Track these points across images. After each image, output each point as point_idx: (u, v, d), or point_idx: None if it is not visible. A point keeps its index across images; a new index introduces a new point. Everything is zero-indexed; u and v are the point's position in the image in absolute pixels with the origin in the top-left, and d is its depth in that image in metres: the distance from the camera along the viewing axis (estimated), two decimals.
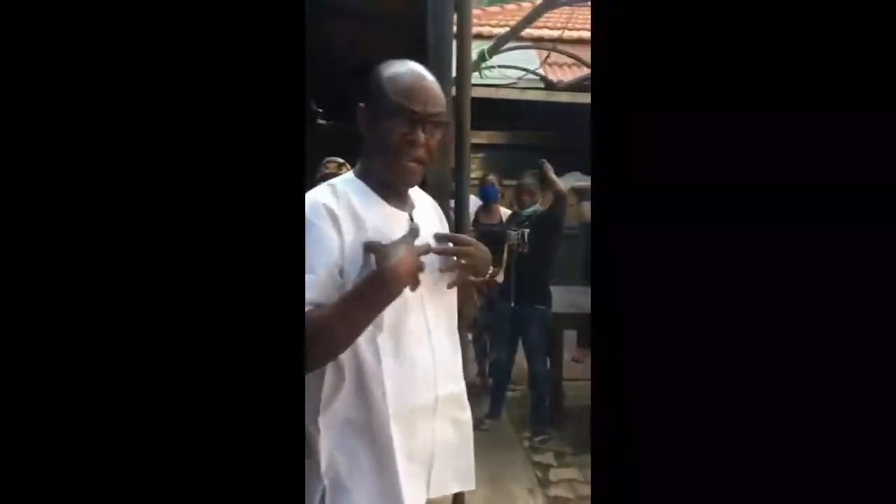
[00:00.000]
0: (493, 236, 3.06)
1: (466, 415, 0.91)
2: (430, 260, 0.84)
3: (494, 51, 3.19)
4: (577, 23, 5.77)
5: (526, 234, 2.64)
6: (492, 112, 4.86)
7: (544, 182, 2.67)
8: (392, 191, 0.85)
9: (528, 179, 2.74)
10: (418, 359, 0.81)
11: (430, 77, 0.83)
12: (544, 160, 2.59)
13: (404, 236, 0.77)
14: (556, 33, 5.41)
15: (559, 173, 4.93)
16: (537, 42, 5.06)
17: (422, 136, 0.79)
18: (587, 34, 5.54)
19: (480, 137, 5.54)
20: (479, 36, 4.62)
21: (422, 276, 0.80)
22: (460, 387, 0.90)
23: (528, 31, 5.05)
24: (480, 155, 5.87)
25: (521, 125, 5.33)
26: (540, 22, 5.17)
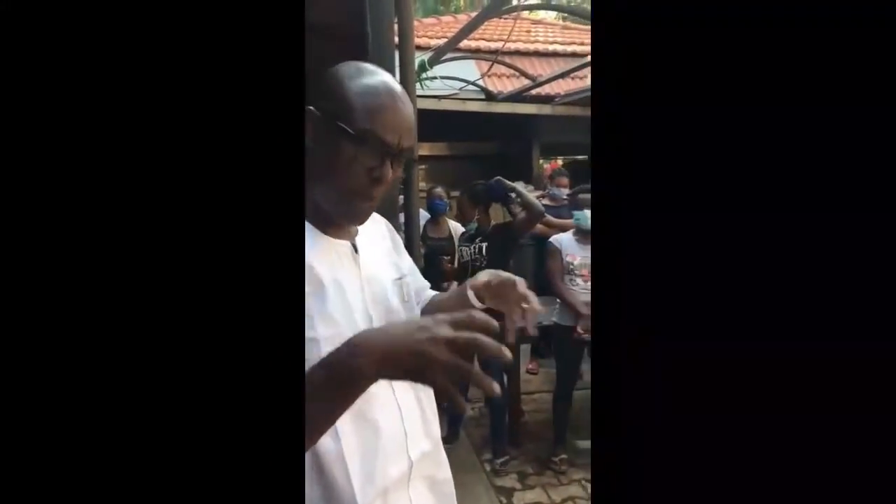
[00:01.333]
0: (442, 251, 2.98)
1: (445, 472, 0.77)
2: (380, 292, 0.70)
3: (435, 61, 3.12)
4: (514, 34, 5.86)
5: (484, 249, 2.56)
6: (434, 123, 4.82)
7: (479, 198, 2.60)
8: (335, 223, 0.69)
9: (463, 196, 2.70)
10: (383, 423, 0.66)
11: (404, 96, 0.65)
12: (499, 178, 2.52)
13: (385, 327, 0.59)
14: (493, 45, 5.46)
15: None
16: (475, 53, 5.07)
17: (389, 173, 0.63)
18: (524, 46, 5.64)
19: (423, 149, 5.48)
20: (417, 47, 4.57)
21: (372, 312, 0.67)
22: (436, 441, 0.76)
23: (466, 43, 5.07)
24: (423, 167, 5.80)
25: (464, 136, 5.32)
26: (477, 34, 5.20)
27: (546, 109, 4.70)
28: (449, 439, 2.67)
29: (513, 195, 2.46)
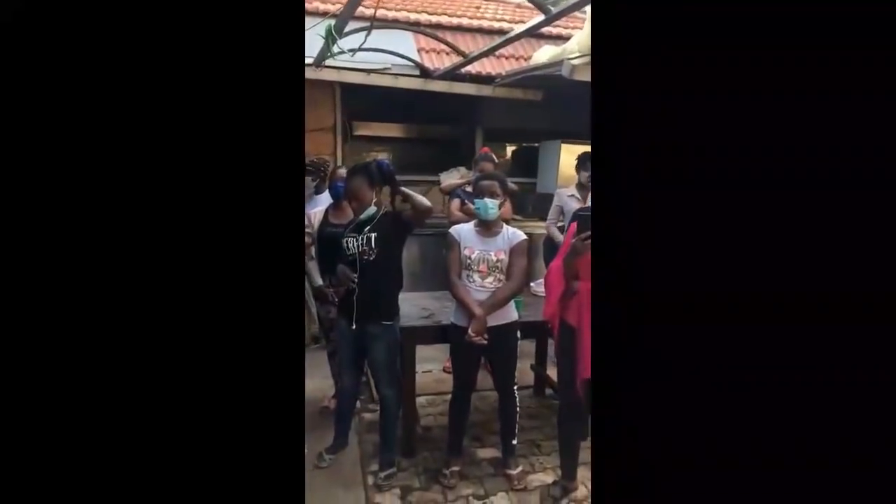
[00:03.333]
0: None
1: None
2: None
3: (341, 29, 2.80)
4: (460, 10, 5.53)
5: (373, 240, 2.25)
6: (374, 101, 4.49)
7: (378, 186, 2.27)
8: None
9: (353, 183, 2.27)
10: None
11: None
12: (385, 161, 2.22)
13: None
14: (433, 18, 5.13)
15: (445, 168, 4.64)
16: (414, 25, 4.75)
17: None
18: (466, 21, 5.31)
19: (374, 130, 5.10)
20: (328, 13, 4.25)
21: None
22: None
23: (406, 15, 4.75)
24: (378, 148, 5.45)
25: (405, 116, 5.00)
26: (412, 5, 4.87)
27: (486, 90, 4.41)
28: (331, 451, 2.42)
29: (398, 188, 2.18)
